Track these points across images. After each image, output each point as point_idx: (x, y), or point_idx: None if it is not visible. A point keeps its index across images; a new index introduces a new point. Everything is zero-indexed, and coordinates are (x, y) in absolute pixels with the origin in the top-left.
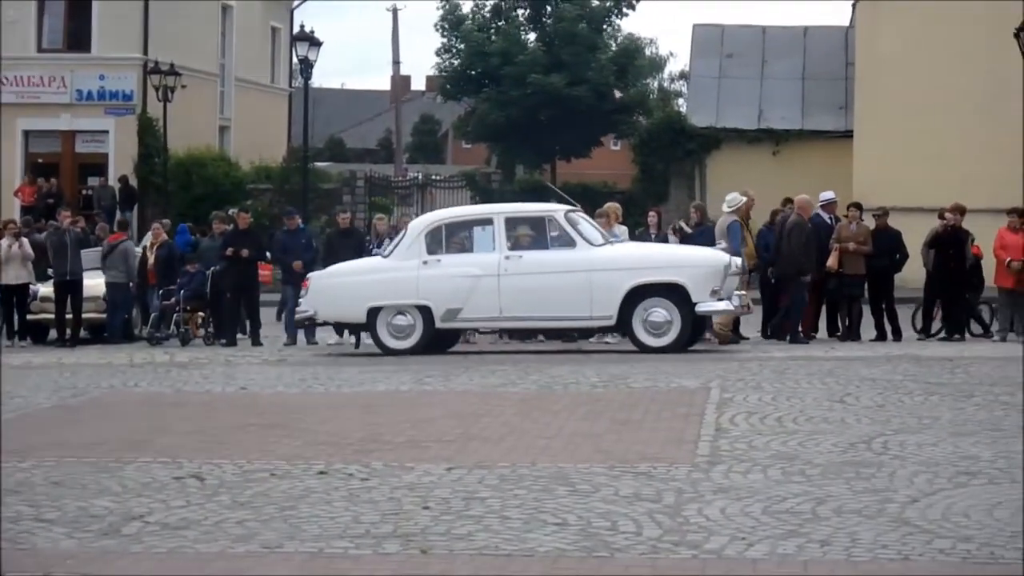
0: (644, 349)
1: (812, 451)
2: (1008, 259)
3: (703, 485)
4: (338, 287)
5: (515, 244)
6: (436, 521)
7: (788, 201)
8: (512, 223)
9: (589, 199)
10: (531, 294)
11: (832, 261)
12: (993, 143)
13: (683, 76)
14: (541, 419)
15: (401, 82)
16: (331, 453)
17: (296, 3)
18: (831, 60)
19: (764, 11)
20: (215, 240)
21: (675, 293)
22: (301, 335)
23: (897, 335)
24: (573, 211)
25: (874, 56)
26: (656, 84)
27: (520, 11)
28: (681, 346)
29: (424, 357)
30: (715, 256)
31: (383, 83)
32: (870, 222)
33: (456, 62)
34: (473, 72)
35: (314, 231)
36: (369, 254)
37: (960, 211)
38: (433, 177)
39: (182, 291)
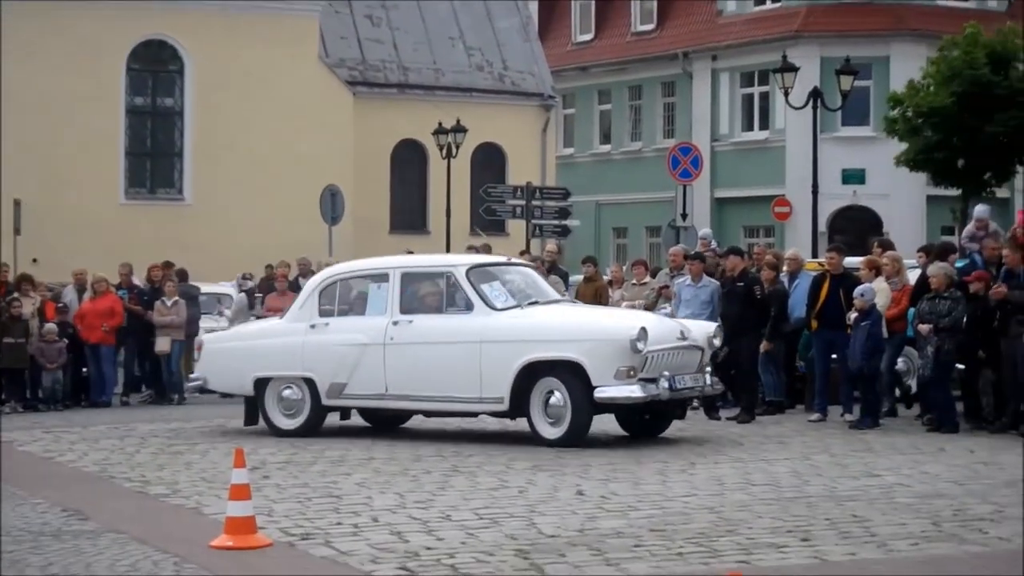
0: (539, 440)
1: None
2: None
3: None
4: (227, 352)
5: (410, 306)
6: None
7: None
8: (408, 279)
9: None
10: (417, 368)
11: None
12: None
13: None
14: None
15: None
16: None
17: None
18: None
19: None
20: None
21: (576, 372)
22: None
23: None
24: (482, 266)
25: None
26: None
27: None
28: (576, 438)
29: None
30: (623, 326)
31: None
32: None
33: None
34: None
35: None
36: None
37: None
38: None
39: None
